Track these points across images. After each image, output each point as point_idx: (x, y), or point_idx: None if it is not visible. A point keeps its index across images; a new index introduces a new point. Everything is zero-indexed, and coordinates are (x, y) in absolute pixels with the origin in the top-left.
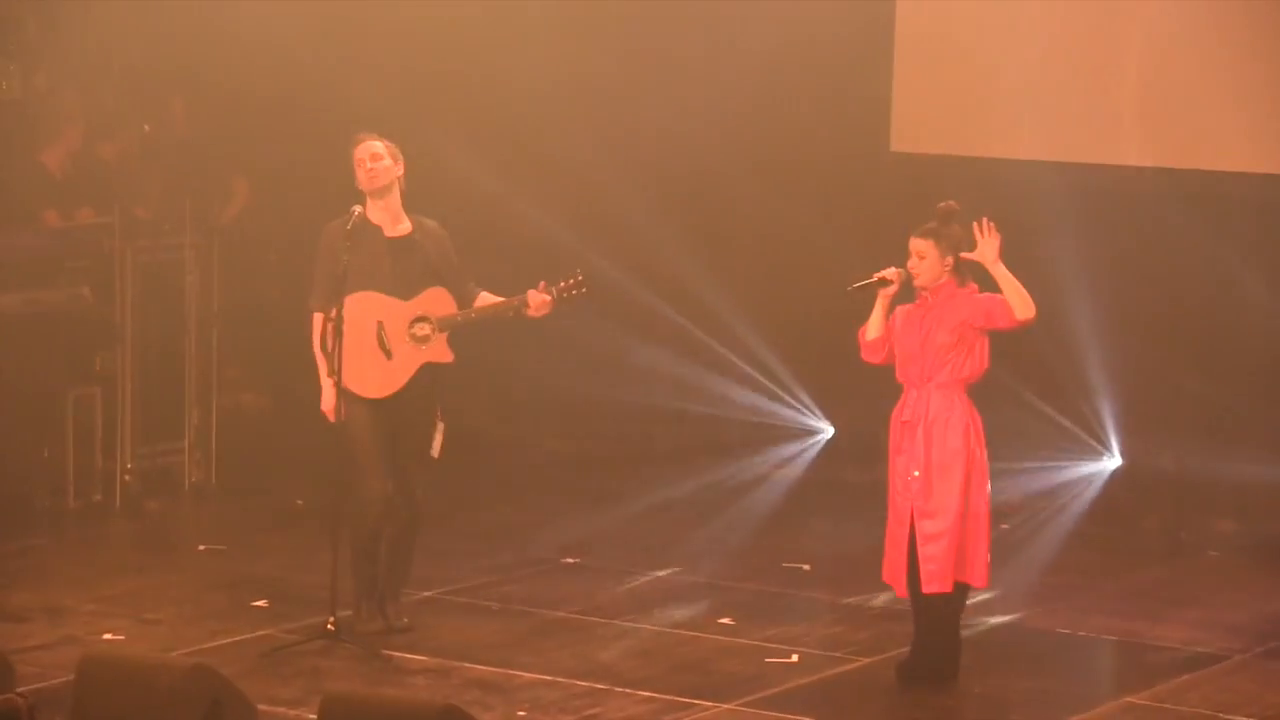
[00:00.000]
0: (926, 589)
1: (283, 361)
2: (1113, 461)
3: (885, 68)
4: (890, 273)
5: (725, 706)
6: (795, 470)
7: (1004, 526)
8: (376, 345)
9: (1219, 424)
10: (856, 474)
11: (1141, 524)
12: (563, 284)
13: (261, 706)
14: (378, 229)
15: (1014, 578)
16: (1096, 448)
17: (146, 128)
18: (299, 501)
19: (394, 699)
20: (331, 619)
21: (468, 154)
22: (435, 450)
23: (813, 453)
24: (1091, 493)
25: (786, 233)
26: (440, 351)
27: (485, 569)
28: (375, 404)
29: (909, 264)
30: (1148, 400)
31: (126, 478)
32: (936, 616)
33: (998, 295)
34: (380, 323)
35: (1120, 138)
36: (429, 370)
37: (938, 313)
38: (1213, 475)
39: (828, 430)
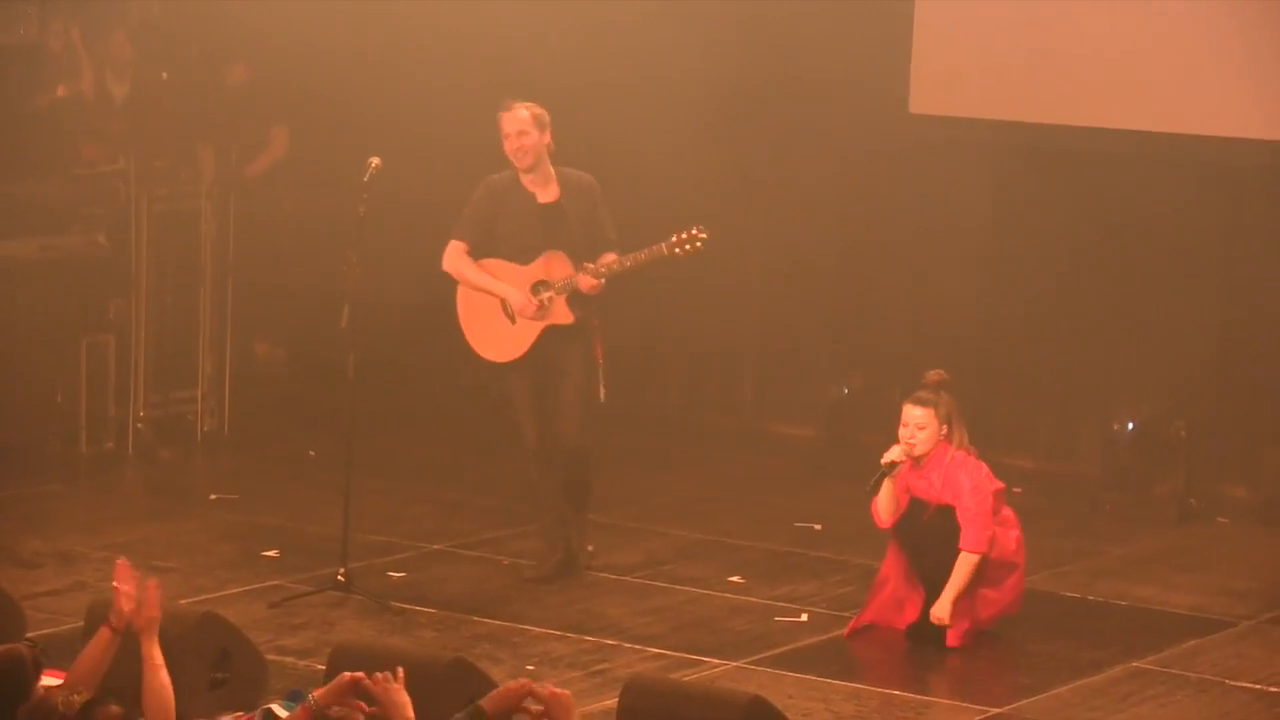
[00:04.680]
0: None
1: (297, 313)
2: (1124, 427)
3: (905, 29)
4: (897, 454)
5: (733, 664)
6: (807, 430)
7: (1015, 491)
8: (501, 311)
9: (1234, 390)
10: (869, 435)
11: (1151, 489)
12: (676, 238)
13: (271, 656)
14: (531, 195)
15: (1025, 542)
16: (1107, 414)
17: (165, 75)
18: (311, 452)
19: (403, 650)
20: (342, 570)
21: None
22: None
23: (825, 413)
24: (1102, 458)
25: (803, 193)
26: (561, 314)
27: (497, 523)
28: (519, 362)
29: (904, 434)
30: (1161, 364)
31: (139, 425)
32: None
33: (978, 503)
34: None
35: (1139, 103)
36: (554, 331)
37: (930, 474)
38: (1225, 441)
39: (841, 390)
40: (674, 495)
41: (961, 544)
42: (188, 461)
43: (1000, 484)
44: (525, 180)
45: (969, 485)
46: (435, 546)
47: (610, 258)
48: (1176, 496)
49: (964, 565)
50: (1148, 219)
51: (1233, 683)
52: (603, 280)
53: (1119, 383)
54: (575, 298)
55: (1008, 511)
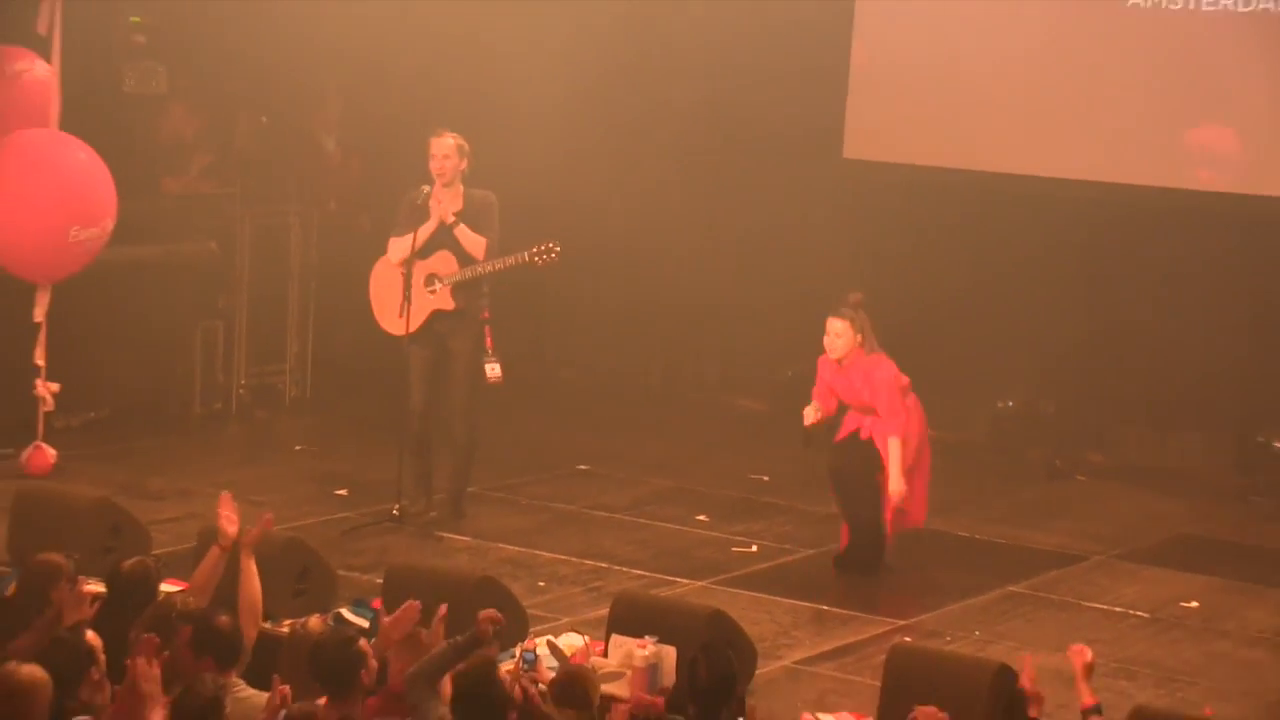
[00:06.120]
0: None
1: (366, 307)
2: (1006, 405)
3: (840, 76)
4: (810, 415)
5: (699, 583)
6: (760, 404)
7: None
8: (401, 292)
9: (1092, 378)
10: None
11: (1026, 453)
12: (535, 249)
13: (340, 572)
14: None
15: (928, 498)
16: (993, 394)
17: (264, 119)
18: (374, 415)
19: (443, 569)
20: (396, 507)
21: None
22: (490, 377)
23: (775, 390)
24: (988, 429)
25: (739, 234)
26: (444, 301)
27: (516, 472)
28: (423, 339)
29: (826, 340)
30: (1036, 357)
31: (241, 391)
32: (865, 523)
33: (891, 396)
34: (404, 275)
35: (1051, 150)
36: (444, 316)
37: (851, 374)
38: (1084, 417)
39: (787, 373)
40: (656, 453)
41: (886, 430)
42: (278, 420)
43: (906, 379)
44: (441, 194)
45: (882, 381)
46: (469, 489)
47: (476, 265)
48: (1046, 460)
49: (894, 448)
50: (1029, 246)
51: (1086, 604)
52: (469, 275)
53: (1002, 370)
54: (460, 289)
55: (914, 399)
